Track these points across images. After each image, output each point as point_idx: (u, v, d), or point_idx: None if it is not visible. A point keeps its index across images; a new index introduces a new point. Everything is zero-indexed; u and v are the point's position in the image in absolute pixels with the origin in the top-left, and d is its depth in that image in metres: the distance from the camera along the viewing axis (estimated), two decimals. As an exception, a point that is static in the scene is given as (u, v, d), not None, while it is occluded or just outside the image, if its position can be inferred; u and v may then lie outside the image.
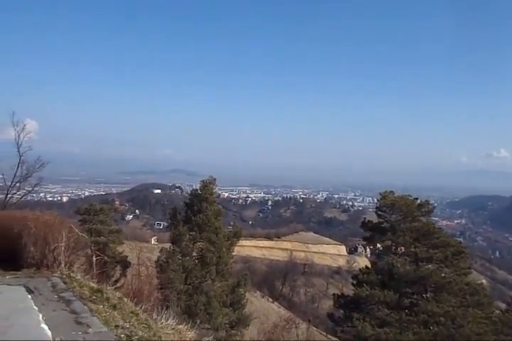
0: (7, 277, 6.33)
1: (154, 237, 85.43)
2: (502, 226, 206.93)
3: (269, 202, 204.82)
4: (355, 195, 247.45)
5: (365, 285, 15.37)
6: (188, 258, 22.35)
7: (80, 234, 7.46)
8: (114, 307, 5.84)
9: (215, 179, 24.15)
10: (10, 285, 5.55)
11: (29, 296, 4.95)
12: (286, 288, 71.89)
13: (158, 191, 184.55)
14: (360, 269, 17.52)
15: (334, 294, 18.37)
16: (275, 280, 72.54)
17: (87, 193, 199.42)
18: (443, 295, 15.22)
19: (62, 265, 6.85)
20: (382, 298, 14.81)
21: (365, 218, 19.32)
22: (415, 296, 15.92)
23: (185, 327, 6.92)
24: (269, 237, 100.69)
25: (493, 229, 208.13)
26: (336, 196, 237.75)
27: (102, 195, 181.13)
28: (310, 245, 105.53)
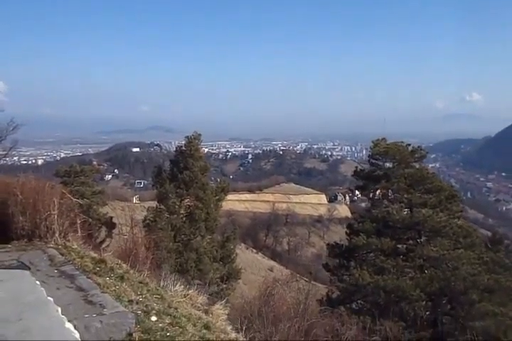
0: (-4, 252, 5.67)
1: (136, 196, 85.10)
2: (474, 168, 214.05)
3: (250, 156, 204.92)
4: (333, 145, 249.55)
5: (361, 234, 15.35)
6: (175, 216, 22.09)
7: (74, 199, 6.77)
8: (122, 278, 5.32)
9: (199, 134, 23.40)
10: (10, 268, 4.89)
11: (37, 282, 4.29)
12: (270, 239, 74.03)
13: (137, 149, 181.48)
14: (354, 218, 17.51)
15: (328, 244, 18.50)
16: (259, 231, 74.31)
17: (62, 155, 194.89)
18: (438, 239, 15.39)
19: (57, 234, 6.21)
20: (379, 246, 14.87)
21: (356, 167, 19.08)
22: (410, 242, 16.08)
23: (195, 292, 6.57)
24: (251, 190, 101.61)
25: (466, 170, 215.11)
26: (315, 146, 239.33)
27: (78, 155, 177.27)
28: (291, 196, 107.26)
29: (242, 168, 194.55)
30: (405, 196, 16.23)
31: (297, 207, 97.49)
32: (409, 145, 17.11)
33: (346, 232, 17.85)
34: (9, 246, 5.95)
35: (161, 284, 6.45)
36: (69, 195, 6.47)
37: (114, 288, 4.75)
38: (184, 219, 21.82)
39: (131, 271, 5.98)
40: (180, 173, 21.83)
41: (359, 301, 16.22)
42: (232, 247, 24.11)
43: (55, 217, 6.15)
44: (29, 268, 4.94)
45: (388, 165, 16.80)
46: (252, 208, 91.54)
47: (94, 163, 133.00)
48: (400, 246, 15.72)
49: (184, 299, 5.94)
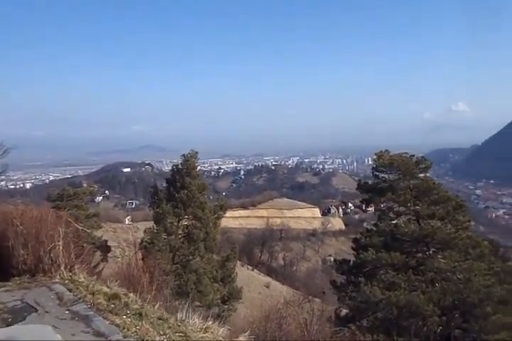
0: (-4, 291, 5.11)
1: (128, 217, 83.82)
2: (463, 176, 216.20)
3: (242, 172, 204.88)
4: (325, 158, 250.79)
5: (370, 248, 14.89)
6: (173, 236, 21.55)
7: (80, 227, 6.26)
8: (140, 315, 4.81)
9: (196, 152, 23.06)
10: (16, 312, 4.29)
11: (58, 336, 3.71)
12: (265, 255, 73.14)
13: (128, 169, 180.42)
14: (360, 232, 17.07)
15: (335, 260, 17.98)
16: (254, 248, 73.39)
17: (51, 178, 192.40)
18: (447, 251, 14.99)
19: (62, 267, 5.68)
20: (389, 261, 14.41)
21: (360, 180, 18.72)
22: (419, 255, 15.64)
23: (215, 323, 6.08)
24: (244, 206, 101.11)
25: (455, 179, 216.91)
26: (307, 160, 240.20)
27: (68, 178, 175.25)
28: (285, 211, 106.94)
29: (234, 185, 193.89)
30: (412, 208, 15.87)
31: (291, 221, 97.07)
32: (413, 156, 16.85)
33: (352, 247, 17.37)
34: (10, 283, 5.40)
35: (178, 317, 5.94)
36: (75, 223, 5.96)
37: (134, 328, 4.25)
38: (182, 239, 21.27)
39: (147, 306, 5.46)
40: (177, 193, 21.36)
41: (369, 318, 15.65)
42: (232, 266, 23.53)
43: (60, 248, 5.63)
44: (36, 310, 4.40)
45: (392, 177, 16.47)
46: (246, 224, 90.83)
47: (85, 184, 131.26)
48: (409, 259, 15.24)
49: (207, 334, 5.43)
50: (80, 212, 25.76)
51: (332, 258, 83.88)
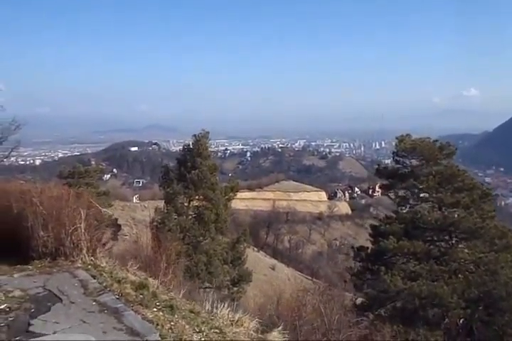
0: (15, 275, 4.65)
1: (136, 195, 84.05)
2: (473, 164, 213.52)
3: (248, 154, 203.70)
4: (331, 142, 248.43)
5: (391, 236, 14.37)
6: (184, 217, 21.25)
7: (102, 209, 5.77)
8: (171, 308, 4.35)
9: (207, 132, 22.53)
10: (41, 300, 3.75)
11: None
12: (271, 237, 73.33)
13: (135, 149, 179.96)
14: (380, 219, 16.53)
15: (353, 247, 17.52)
16: (260, 230, 73.47)
17: (60, 155, 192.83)
18: (472, 241, 14.44)
19: (84, 251, 5.21)
20: (411, 249, 13.90)
21: (379, 165, 18.13)
22: (442, 244, 15.11)
23: (246, 316, 5.67)
24: (250, 188, 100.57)
25: (464, 166, 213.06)
26: (314, 143, 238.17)
27: (76, 155, 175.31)
28: (291, 193, 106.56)
29: (240, 166, 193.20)
30: (434, 195, 15.25)
31: (297, 204, 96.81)
32: (437, 141, 16.12)
33: (370, 234, 16.88)
34: (30, 267, 4.94)
35: (206, 307, 5.52)
36: (97, 205, 5.46)
37: (169, 324, 3.78)
38: (193, 220, 20.97)
39: (176, 297, 5.01)
40: (188, 173, 20.94)
41: (387, 307, 15.27)
42: (242, 249, 23.32)
43: (82, 230, 5.15)
44: (61, 300, 3.94)
45: (414, 162, 15.81)
46: (252, 206, 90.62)
47: (93, 162, 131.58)
48: (431, 249, 14.72)
49: (240, 329, 4.99)
50: (91, 189, 25.44)
51: (338, 242, 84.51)
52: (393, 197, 16.13)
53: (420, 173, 15.38)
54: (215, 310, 5.46)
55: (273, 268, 52.86)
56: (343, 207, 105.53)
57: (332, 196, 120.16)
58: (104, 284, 4.57)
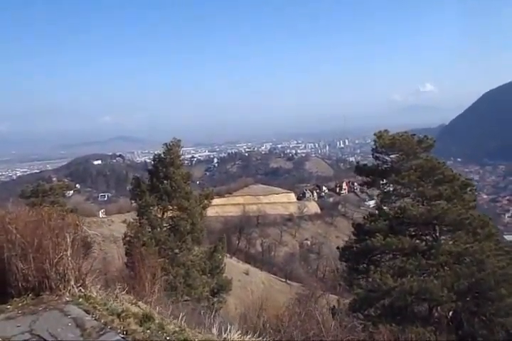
0: (-7, 318, 3.92)
1: (102, 210, 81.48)
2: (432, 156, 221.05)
3: (215, 160, 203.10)
4: (297, 143, 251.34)
5: (377, 234, 14.16)
6: (158, 229, 20.59)
7: (90, 231, 5.09)
8: (185, 341, 3.76)
9: (179, 140, 21.98)
10: None
11: None
12: (243, 242, 72.90)
13: (99, 162, 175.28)
14: (364, 217, 16.32)
15: (338, 247, 17.22)
16: (231, 235, 72.85)
17: (19, 173, 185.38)
18: (456, 232, 14.45)
19: (72, 282, 4.52)
20: (399, 246, 13.73)
21: (358, 162, 18.01)
22: (427, 238, 15.06)
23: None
24: (220, 194, 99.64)
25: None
26: (280, 146, 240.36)
27: (36, 173, 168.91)
28: (261, 197, 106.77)
29: (208, 173, 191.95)
30: (416, 189, 15.19)
31: (267, 207, 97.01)
32: (414, 135, 16.12)
33: (354, 233, 16.65)
34: (9, 307, 4.19)
35: (213, 331, 4.95)
36: (84, 227, 4.79)
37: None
38: (168, 232, 20.33)
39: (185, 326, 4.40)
40: (161, 183, 20.33)
41: (377, 306, 15.02)
42: (220, 257, 22.85)
43: (69, 259, 4.47)
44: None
45: (394, 157, 15.72)
46: (222, 212, 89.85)
47: (54, 179, 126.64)
48: (417, 243, 14.62)
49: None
50: (58, 208, 24.05)
51: (309, 242, 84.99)
52: (376, 193, 15.97)
53: (401, 168, 15.31)
54: (223, 335, 4.93)
55: (247, 273, 52.57)
56: (313, 207, 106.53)
57: (301, 196, 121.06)
58: (103, 321, 3.91)
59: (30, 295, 4.36)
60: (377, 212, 15.86)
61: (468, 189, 15.39)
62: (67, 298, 4.43)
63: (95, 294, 4.80)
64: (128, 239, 18.95)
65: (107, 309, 4.38)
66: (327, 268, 70.45)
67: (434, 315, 14.69)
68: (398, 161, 15.42)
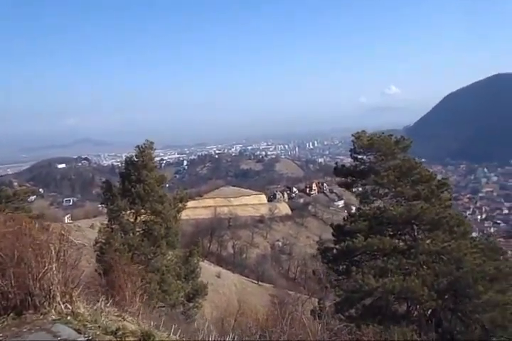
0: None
1: (67, 215, 79.23)
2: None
3: (185, 162, 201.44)
4: (267, 145, 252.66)
5: (358, 234, 14.15)
6: (131, 234, 20.09)
7: (77, 241, 4.65)
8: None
9: (152, 143, 21.57)
10: None
11: None
12: (214, 245, 72.67)
13: (63, 165, 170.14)
14: (343, 218, 16.31)
15: (319, 249, 17.13)
16: (202, 238, 72.36)
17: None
18: (435, 231, 14.63)
19: (58, 298, 4.10)
20: (380, 246, 13.76)
21: (336, 163, 18.00)
22: (407, 237, 15.19)
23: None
24: (190, 197, 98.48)
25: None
26: (250, 147, 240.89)
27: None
28: (232, 199, 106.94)
29: (178, 176, 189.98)
30: (394, 189, 15.30)
31: (238, 209, 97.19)
32: (391, 135, 16.27)
33: (333, 234, 16.61)
34: (-11, 329, 3.74)
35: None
36: (70, 237, 4.35)
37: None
38: (141, 237, 19.82)
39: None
40: (133, 187, 19.80)
41: (357, 306, 15.03)
42: (195, 262, 22.57)
43: (54, 273, 4.04)
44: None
45: (372, 158, 15.81)
46: (193, 215, 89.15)
47: (15, 183, 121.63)
48: (397, 243, 14.73)
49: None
50: (22, 214, 22.88)
51: (280, 243, 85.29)
52: (350, 194, 16.00)
53: (379, 169, 15.39)
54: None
55: (218, 276, 52.39)
56: (283, 208, 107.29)
57: (271, 198, 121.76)
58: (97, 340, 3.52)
59: (10, 314, 3.90)
60: (356, 212, 15.87)
61: (445, 188, 15.62)
62: (54, 317, 4.01)
63: (83, 310, 4.38)
64: (99, 245, 18.38)
65: (99, 327, 3.99)
66: (298, 269, 71.17)
67: (414, 313, 14.81)
68: (376, 162, 15.49)
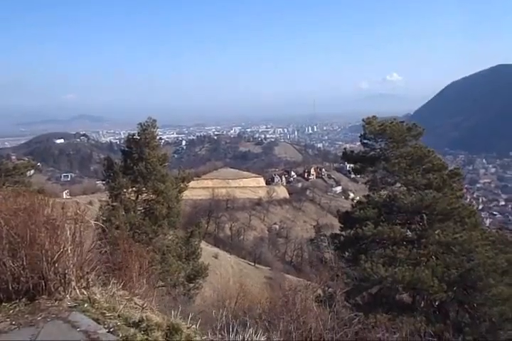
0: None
1: (66, 191, 79.00)
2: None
3: (183, 142, 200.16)
4: (266, 128, 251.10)
5: (368, 222, 13.81)
6: (133, 213, 19.83)
7: (93, 222, 4.25)
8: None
9: (155, 120, 21.10)
10: None
11: None
12: (212, 226, 72.80)
13: (61, 141, 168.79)
14: (352, 205, 15.95)
15: (330, 235, 16.85)
16: (200, 219, 72.35)
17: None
18: (446, 222, 14.29)
19: (74, 283, 3.70)
20: (391, 235, 13.43)
21: (345, 148, 17.49)
22: (416, 227, 14.85)
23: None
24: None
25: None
26: (249, 130, 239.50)
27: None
28: (230, 181, 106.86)
29: (176, 155, 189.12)
30: (404, 177, 14.89)
31: (237, 191, 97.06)
32: (403, 122, 15.76)
33: (340, 221, 16.29)
34: (-1, 314, 3.35)
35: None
36: (87, 218, 3.94)
37: None
38: (143, 215, 19.57)
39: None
40: (135, 165, 19.44)
41: (363, 294, 14.84)
42: (196, 243, 22.39)
43: (70, 255, 3.64)
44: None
45: (383, 144, 15.32)
46: (191, 196, 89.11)
47: (14, 157, 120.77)
48: (409, 233, 14.41)
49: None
50: (23, 188, 22.45)
51: (277, 227, 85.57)
52: (364, 181, 15.61)
53: (390, 156, 14.94)
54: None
55: (216, 257, 52.66)
56: (281, 192, 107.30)
57: (270, 181, 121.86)
58: (121, 333, 3.14)
59: (23, 299, 3.51)
60: (365, 200, 15.49)
61: (457, 178, 15.21)
62: (69, 303, 3.61)
63: (98, 296, 4.00)
64: (100, 222, 18.09)
65: (119, 316, 3.60)
66: (295, 252, 71.61)
67: (421, 304, 14.61)
68: (387, 149, 15.02)
